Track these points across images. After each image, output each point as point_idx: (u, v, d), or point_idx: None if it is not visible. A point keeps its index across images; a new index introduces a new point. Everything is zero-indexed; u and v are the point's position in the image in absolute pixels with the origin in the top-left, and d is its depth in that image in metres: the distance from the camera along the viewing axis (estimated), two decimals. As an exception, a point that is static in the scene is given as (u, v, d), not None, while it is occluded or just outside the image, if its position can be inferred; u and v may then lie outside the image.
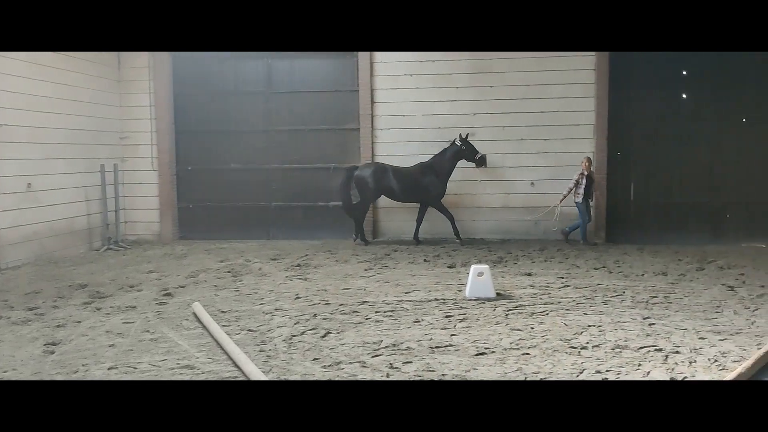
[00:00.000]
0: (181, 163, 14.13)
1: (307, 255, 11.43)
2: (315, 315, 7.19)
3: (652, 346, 5.91)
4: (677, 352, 5.71)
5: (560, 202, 12.33)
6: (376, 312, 7.28)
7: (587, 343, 6.03)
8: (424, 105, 13.40)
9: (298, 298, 8.08)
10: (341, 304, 7.67)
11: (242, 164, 14.02)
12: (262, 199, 14.01)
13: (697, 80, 13.09)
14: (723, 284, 8.64)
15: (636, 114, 13.21)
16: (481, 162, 12.69)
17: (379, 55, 13.39)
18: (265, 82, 13.90)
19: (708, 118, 13.06)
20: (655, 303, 7.60)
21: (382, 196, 12.98)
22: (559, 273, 9.53)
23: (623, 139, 13.22)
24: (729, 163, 13.01)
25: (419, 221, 13.00)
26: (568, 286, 8.62)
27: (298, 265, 10.39)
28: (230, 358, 5.65)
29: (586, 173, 12.20)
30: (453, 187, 13.30)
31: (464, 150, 12.56)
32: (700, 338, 6.16)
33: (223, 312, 7.40)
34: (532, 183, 13.20)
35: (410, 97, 13.42)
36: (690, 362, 5.45)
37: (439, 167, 12.68)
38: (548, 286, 8.57)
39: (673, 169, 13.18)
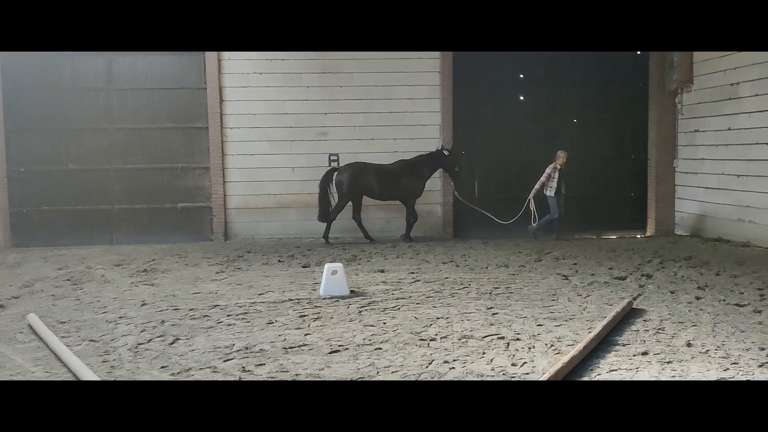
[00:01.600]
0: (13, 164, 13.05)
1: (154, 259, 10.97)
2: (163, 321, 6.92)
3: (495, 334, 6.23)
4: (518, 339, 6.06)
5: (531, 195, 12.74)
6: (228, 315, 7.13)
7: (436, 334, 6.25)
8: (275, 104, 13.29)
9: (144, 304, 7.73)
10: (191, 309, 7.44)
11: (81, 165, 13.19)
12: (104, 202, 13.27)
13: (532, 82, 13.96)
14: (558, 274, 9.27)
15: (478, 114, 13.87)
16: (456, 176, 13.08)
17: (227, 53, 13.11)
18: (106, 77, 13.17)
19: (543, 118, 13.97)
20: (498, 294, 8.02)
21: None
22: (410, 269, 9.80)
23: (467, 139, 13.82)
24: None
25: (408, 220, 12.99)
26: (418, 281, 8.88)
27: (145, 271, 9.95)
28: (70, 371, 5.31)
29: (559, 167, 12.47)
30: (306, 186, 13.31)
31: (447, 158, 12.80)
32: (538, 325, 6.57)
33: (62, 323, 6.94)
34: (384, 181, 13.44)
35: (260, 96, 13.25)
36: (529, 348, 5.80)
37: (420, 168, 12.80)
38: (400, 282, 8.79)
39: (512, 166, 13.96)
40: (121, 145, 13.24)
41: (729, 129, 12.16)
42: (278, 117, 13.30)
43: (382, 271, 9.60)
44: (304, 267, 10.09)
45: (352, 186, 12.48)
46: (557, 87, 13.96)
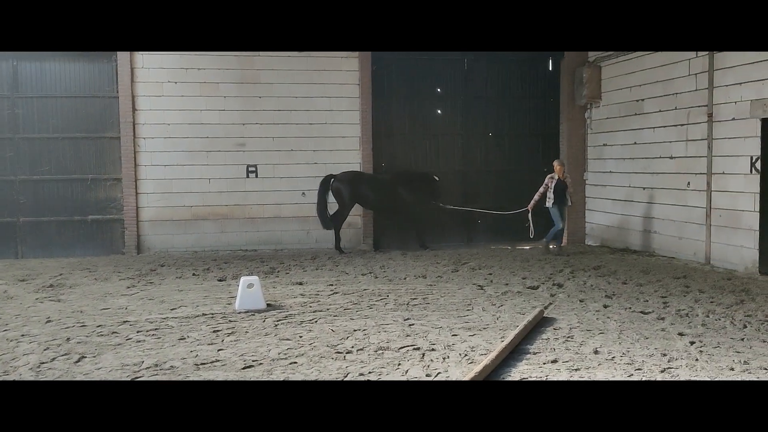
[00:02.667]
0: None
1: (61, 274, 10.52)
2: (68, 339, 6.63)
3: (411, 345, 6.27)
4: (433, 350, 6.12)
5: (531, 207, 12.37)
6: (138, 331, 6.90)
7: (352, 347, 6.23)
8: (191, 113, 13.01)
9: (49, 321, 7.39)
10: (99, 326, 7.16)
11: (-18, 176, 12.54)
12: (9, 214, 12.64)
13: (449, 97, 14.20)
14: (474, 284, 9.44)
15: (397, 127, 14.00)
16: (437, 200, 13.32)
17: (141, 60, 12.76)
18: (10, 85, 12.58)
19: (459, 132, 14.23)
20: (415, 304, 8.08)
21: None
22: (329, 281, 9.76)
23: (388, 151, 13.93)
24: (478, 172, 14.29)
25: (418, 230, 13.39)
26: (337, 293, 8.85)
27: (51, 286, 9.53)
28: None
29: (557, 177, 12.06)
30: (223, 198, 13.11)
31: (435, 184, 13.20)
32: (453, 335, 6.66)
33: (-44, 343, 6.54)
34: (303, 193, 13.38)
35: (176, 105, 12.96)
36: (444, 358, 5.87)
37: (415, 181, 13.12)
38: (318, 294, 8.74)
39: (431, 178, 14.14)
40: (28, 156, 12.66)
41: (635, 143, 12.71)
42: (194, 127, 13.04)
43: (301, 284, 9.52)
44: (219, 280, 9.89)
45: (353, 193, 12.74)
46: (473, 101, 14.26)
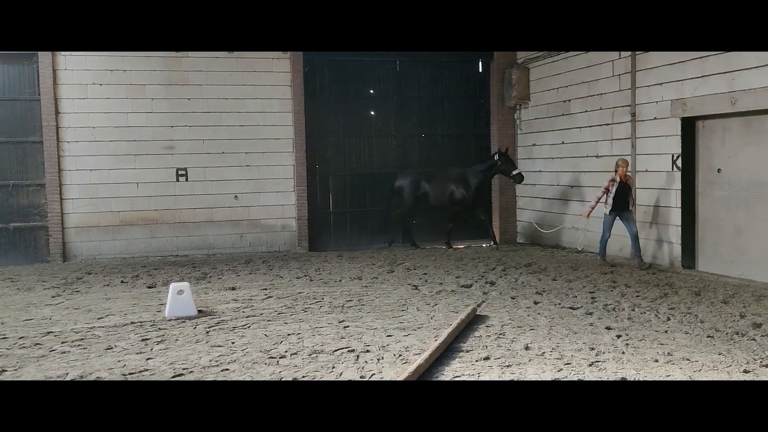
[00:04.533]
0: None
1: (-20, 285, 10.07)
2: (-13, 353, 6.34)
3: (346, 347, 6.24)
4: (367, 351, 6.11)
5: (587, 214, 10.85)
6: (63, 342, 6.65)
7: (286, 351, 6.16)
8: (117, 116, 12.65)
9: (-34, 335, 7.05)
10: (21, 338, 6.86)
11: None
12: None
13: (383, 98, 14.25)
14: (409, 284, 9.48)
15: (331, 129, 13.95)
16: (518, 179, 13.00)
17: (63, 62, 12.33)
18: None
19: (393, 133, 14.30)
20: (350, 306, 8.06)
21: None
22: (263, 285, 9.65)
23: (321, 153, 13.87)
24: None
25: (490, 226, 13.72)
26: (271, 297, 8.75)
27: (-31, 297, 9.10)
28: None
29: (618, 180, 10.35)
30: (152, 202, 12.79)
31: (500, 165, 12.98)
32: (387, 336, 6.67)
33: None
34: (236, 196, 13.20)
35: (101, 108, 12.57)
36: (378, 359, 5.87)
37: (472, 177, 13.17)
38: (251, 299, 8.62)
39: (365, 179, 14.17)
40: (-59, 161, 12.07)
41: (563, 143, 13.03)
42: (121, 130, 12.68)
43: (233, 289, 9.37)
44: (149, 287, 9.65)
45: (414, 190, 13.19)
46: (406, 102, 14.35)
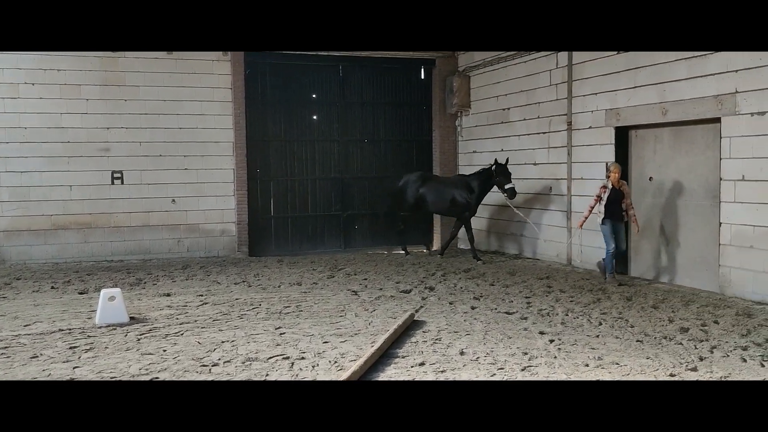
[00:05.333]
0: None
1: None
2: None
3: (281, 354, 6.17)
4: (303, 358, 6.05)
5: (580, 225, 9.95)
6: (-16, 351, 6.39)
7: (219, 359, 6.05)
8: (51, 117, 12.25)
9: None
10: (-61, 347, 6.56)
11: None
12: None
13: (325, 103, 14.19)
14: (349, 290, 9.45)
15: (273, 133, 13.83)
16: (510, 194, 11.79)
17: (-8, 60, 11.89)
18: None
19: (336, 138, 14.25)
20: (288, 313, 7.99)
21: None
22: (199, 291, 9.47)
23: (262, 157, 13.72)
24: (355, 179, 14.38)
25: (452, 236, 12.95)
26: (206, 303, 8.59)
27: None
28: None
29: (611, 186, 9.49)
30: (86, 206, 12.44)
31: (495, 175, 11.98)
32: (324, 342, 6.62)
33: None
34: (174, 200, 12.95)
35: (33, 108, 12.15)
36: (313, 366, 5.82)
37: (473, 185, 12.39)
38: (186, 306, 8.45)
39: (307, 184, 14.09)
40: None
41: (502, 150, 13.21)
42: (54, 131, 12.27)
43: (168, 295, 9.17)
44: (80, 293, 9.36)
45: (414, 193, 12.80)
46: (349, 107, 14.33)
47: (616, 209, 9.46)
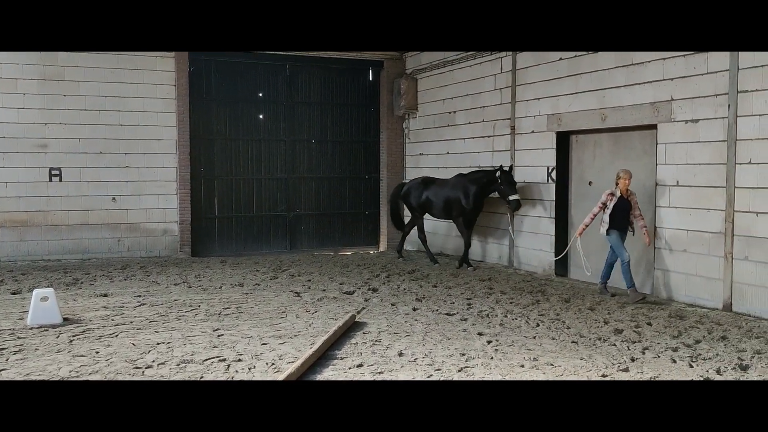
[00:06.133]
0: None
1: None
2: None
3: (217, 357, 6.09)
4: (239, 360, 5.98)
5: (579, 233, 9.21)
6: None
7: (153, 361, 5.93)
8: (-16, 111, 11.84)
9: None
10: None
11: None
12: None
13: (272, 102, 14.07)
14: (292, 291, 9.39)
15: (218, 132, 13.65)
16: (514, 205, 10.78)
17: None
18: None
19: (282, 137, 14.15)
20: (228, 314, 7.88)
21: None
22: (137, 291, 9.27)
23: (206, 156, 13.52)
24: (301, 179, 14.30)
25: (468, 244, 11.65)
26: (144, 304, 8.42)
27: None
28: None
29: (618, 194, 8.72)
30: (22, 203, 12.06)
31: (498, 183, 10.95)
32: (262, 344, 6.56)
33: None
34: (114, 198, 12.66)
35: (-35, 102, 11.72)
36: (249, 369, 5.75)
37: (471, 186, 11.37)
38: (123, 306, 8.26)
39: (252, 184, 13.95)
40: None
41: (448, 153, 13.32)
42: (-12, 126, 11.87)
43: (105, 296, 8.95)
44: (13, 294, 9.05)
45: (417, 199, 12.26)
46: (296, 107, 14.25)
47: (622, 219, 8.72)
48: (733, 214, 7.99)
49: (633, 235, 8.93)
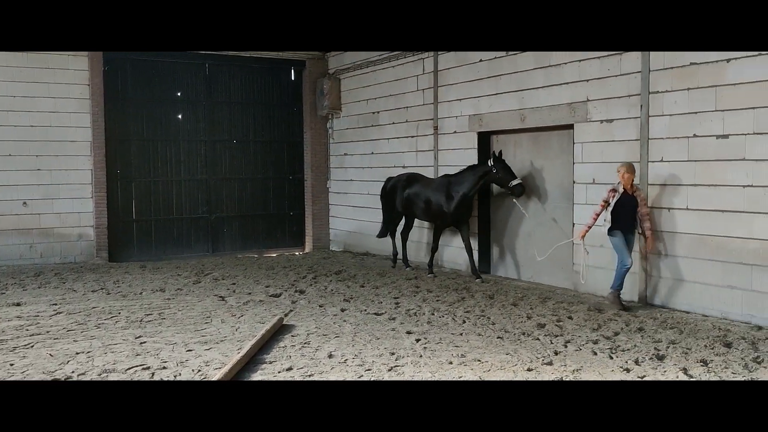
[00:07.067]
0: None
1: None
2: None
3: (141, 365, 5.90)
4: (164, 368, 5.81)
5: (582, 235, 8.38)
6: None
7: (73, 372, 5.70)
8: None
9: None
10: None
11: None
12: None
13: (192, 102, 13.75)
14: (216, 295, 9.20)
15: (134, 132, 13.23)
16: (517, 190, 9.86)
17: None
18: None
19: (202, 138, 13.85)
20: (150, 320, 7.65)
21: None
22: (52, 299, 8.89)
23: (123, 157, 13.09)
24: (223, 180, 14.03)
25: (468, 250, 10.49)
26: (60, 312, 8.07)
27: None
28: None
29: (621, 190, 8.02)
30: None
31: (494, 173, 10.01)
32: (188, 350, 6.40)
33: None
34: (25, 203, 12.09)
35: None
36: (175, 376, 5.60)
37: (460, 185, 10.37)
38: (38, 316, 7.89)
39: (172, 186, 13.59)
40: None
41: (372, 153, 13.36)
42: None
43: (18, 305, 8.53)
44: None
45: (400, 198, 11.32)
46: (217, 107, 13.97)
47: (627, 218, 7.98)
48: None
49: (641, 233, 8.16)
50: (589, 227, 8.30)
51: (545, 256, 9.41)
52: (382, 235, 11.92)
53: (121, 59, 12.86)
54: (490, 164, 10.09)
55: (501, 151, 10.20)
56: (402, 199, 11.25)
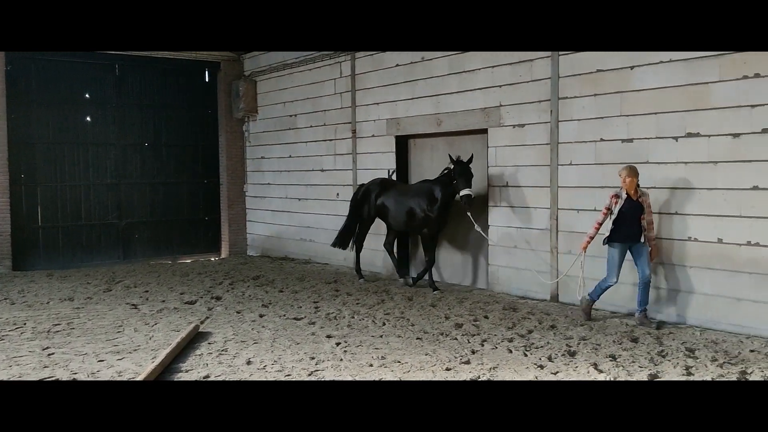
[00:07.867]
0: None
1: None
2: None
3: (49, 377, 5.66)
4: (74, 380, 5.59)
5: (584, 246, 7.57)
6: None
7: (-27, 388, 5.39)
8: None
9: None
10: None
11: None
12: None
13: (101, 104, 13.26)
14: (128, 303, 8.91)
15: (40, 135, 12.64)
16: (465, 200, 8.97)
17: None
18: None
19: (112, 141, 13.38)
20: (58, 331, 7.34)
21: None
22: (-51, 312, 8.38)
23: (27, 161, 12.49)
24: (134, 185, 13.60)
25: (431, 262, 9.68)
26: (-42, 325, 7.63)
27: None
28: None
29: (624, 195, 7.25)
30: None
31: (452, 177, 9.16)
32: (99, 361, 6.18)
33: None
34: None
35: None
36: (86, 388, 5.39)
37: (435, 193, 9.50)
38: (-67, 329, 7.43)
39: (80, 191, 13.06)
40: None
41: (290, 156, 13.27)
42: None
43: None
44: None
45: (373, 204, 10.26)
46: (127, 109, 13.52)
47: (631, 226, 7.21)
48: (557, 212, 8.64)
49: (646, 244, 7.31)
50: (591, 238, 7.51)
51: (560, 277, 8.41)
52: (340, 244, 10.65)
53: (25, 59, 12.28)
54: (451, 168, 9.25)
55: (472, 155, 9.29)
56: (374, 206, 10.22)
